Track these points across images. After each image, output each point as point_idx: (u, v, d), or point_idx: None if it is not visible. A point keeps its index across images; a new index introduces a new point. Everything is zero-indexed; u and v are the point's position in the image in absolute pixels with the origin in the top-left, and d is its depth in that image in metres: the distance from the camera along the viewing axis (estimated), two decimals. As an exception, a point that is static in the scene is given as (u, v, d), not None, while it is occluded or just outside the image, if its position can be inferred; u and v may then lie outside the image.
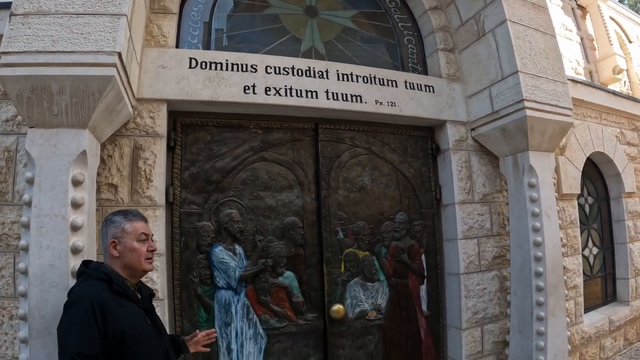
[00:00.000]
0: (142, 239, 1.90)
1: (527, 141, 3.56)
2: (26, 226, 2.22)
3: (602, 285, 5.25)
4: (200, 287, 3.09)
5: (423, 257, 3.74)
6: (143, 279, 2.11)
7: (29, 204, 2.23)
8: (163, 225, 2.91)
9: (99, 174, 2.64)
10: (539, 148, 3.66)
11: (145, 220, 1.99)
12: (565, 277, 4.01)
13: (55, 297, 2.13)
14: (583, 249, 4.91)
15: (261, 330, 3.23)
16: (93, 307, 1.65)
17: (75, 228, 2.24)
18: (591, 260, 5.11)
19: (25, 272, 2.19)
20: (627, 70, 6.24)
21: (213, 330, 2.29)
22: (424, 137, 3.86)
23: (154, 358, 1.82)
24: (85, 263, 1.90)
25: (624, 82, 6.33)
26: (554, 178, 4.32)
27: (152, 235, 1.99)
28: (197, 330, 2.31)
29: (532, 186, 3.61)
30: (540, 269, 3.50)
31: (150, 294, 2.08)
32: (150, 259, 1.93)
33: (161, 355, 1.86)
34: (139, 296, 1.93)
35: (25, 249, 2.20)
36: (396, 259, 3.60)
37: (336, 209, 3.43)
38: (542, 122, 3.56)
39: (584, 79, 5.44)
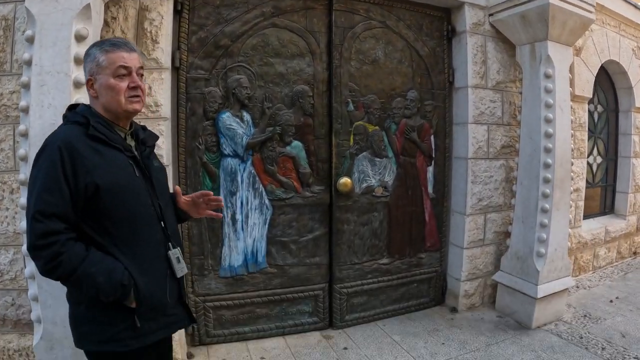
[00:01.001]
0: (121, 74, 1.51)
1: (547, 30, 3.40)
2: (26, 86, 2.11)
3: (602, 196, 5.30)
4: (205, 154, 3.02)
5: (432, 138, 3.69)
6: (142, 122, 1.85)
7: (29, 62, 2.11)
8: (169, 89, 2.80)
9: (101, 37, 2.48)
10: (558, 40, 3.52)
11: (129, 49, 1.55)
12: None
13: (57, 158, 2.04)
14: (588, 156, 4.89)
15: (267, 201, 3.20)
16: (62, 154, 1.39)
17: (78, 85, 2.13)
18: (594, 168, 5.12)
19: (25, 135, 2.10)
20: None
21: (209, 192, 1.84)
22: (440, 18, 3.69)
23: (139, 217, 1.52)
24: (71, 107, 1.61)
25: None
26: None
27: (140, 67, 1.58)
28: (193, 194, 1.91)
29: (548, 77, 3.50)
30: (549, 161, 3.46)
31: (146, 140, 1.70)
32: (134, 96, 1.54)
33: (149, 215, 1.57)
34: (132, 143, 1.63)
35: (26, 110, 2.10)
36: (405, 137, 3.54)
37: (347, 80, 3.31)
38: (564, 12, 3.39)
39: (607, -15, 5.21)
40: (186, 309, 1.72)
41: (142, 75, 1.59)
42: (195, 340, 3.13)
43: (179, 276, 1.64)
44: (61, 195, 1.38)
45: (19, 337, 2.62)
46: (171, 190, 1.87)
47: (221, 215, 1.98)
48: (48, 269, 1.39)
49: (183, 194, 1.87)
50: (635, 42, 5.36)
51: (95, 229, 1.47)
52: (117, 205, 1.46)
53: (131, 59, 1.54)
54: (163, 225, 1.62)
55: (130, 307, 1.48)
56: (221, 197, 2.10)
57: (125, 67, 1.51)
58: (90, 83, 1.54)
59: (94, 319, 1.49)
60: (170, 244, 1.62)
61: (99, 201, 1.43)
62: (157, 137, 1.80)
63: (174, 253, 1.62)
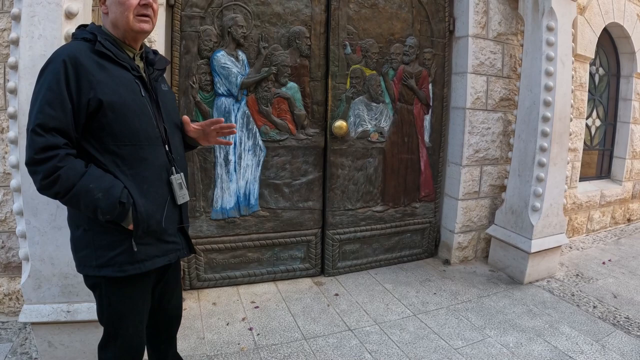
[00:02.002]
0: None
1: None
2: (17, 18, 2.04)
3: (599, 160, 5.27)
4: (199, 93, 2.96)
5: (430, 86, 3.63)
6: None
7: None
8: (163, 27, 2.72)
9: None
10: None
11: None
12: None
13: (47, 89, 1.99)
14: (587, 118, 4.85)
15: (260, 142, 3.16)
16: (66, 68, 1.35)
17: (69, 15, 2.07)
18: (593, 131, 5.08)
19: (15, 67, 2.04)
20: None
21: (220, 119, 1.76)
22: (443, -36, 3.61)
23: (142, 136, 1.48)
24: (80, 26, 1.56)
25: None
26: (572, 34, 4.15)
27: None
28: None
29: (550, 29, 3.43)
30: (548, 114, 3.42)
31: (156, 62, 1.66)
32: (143, 15, 1.49)
33: (153, 137, 1.52)
34: (141, 64, 1.58)
35: (16, 42, 2.04)
36: (403, 83, 3.48)
37: (346, 22, 3.23)
38: (569, -37, 3.32)
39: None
40: (186, 238, 1.68)
41: None
42: (185, 284, 3.11)
43: (179, 203, 1.60)
44: (63, 109, 1.35)
45: (9, 281, 2.61)
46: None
47: (231, 142, 1.89)
48: (45, 184, 1.35)
49: None
50: (640, 8, 5.28)
51: (97, 147, 1.43)
52: (120, 122, 1.42)
53: None
54: (168, 149, 1.58)
55: (127, 231, 1.45)
56: (234, 124, 2.01)
57: None
58: None
59: (92, 242, 1.47)
60: (173, 168, 1.58)
61: (102, 118, 1.40)
62: (168, 62, 1.75)
63: (177, 178, 1.58)
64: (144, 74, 1.55)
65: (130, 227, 1.44)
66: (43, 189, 1.36)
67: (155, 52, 1.69)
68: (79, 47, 1.42)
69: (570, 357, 2.52)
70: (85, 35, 1.46)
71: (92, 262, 1.47)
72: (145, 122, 1.49)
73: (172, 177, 1.57)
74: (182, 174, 1.61)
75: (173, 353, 1.94)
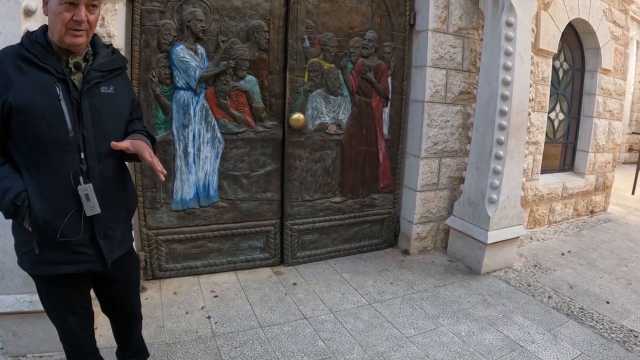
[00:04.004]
0: (68, 1, 1.42)
1: None
2: None
3: (562, 153, 5.39)
4: (159, 87, 2.98)
5: (389, 79, 3.69)
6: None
7: None
8: (123, 21, 2.73)
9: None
10: None
11: None
12: (528, 126, 4.04)
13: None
14: (550, 112, 4.95)
15: (219, 135, 3.19)
16: None
17: (28, 13, 2.06)
18: (556, 124, 5.19)
19: None
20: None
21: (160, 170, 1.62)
22: (404, -41, 3.64)
23: (49, 142, 1.45)
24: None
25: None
26: (533, 30, 4.22)
27: (92, 4, 1.49)
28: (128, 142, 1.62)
29: (509, 25, 3.49)
30: (506, 108, 3.49)
31: (104, 65, 1.60)
32: (75, 30, 1.45)
33: (64, 142, 1.47)
34: (72, 67, 1.52)
35: None
36: (362, 76, 3.53)
37: (305, 16, 3.26)
38: (530, -40, 3.37)
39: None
40: (99, 252, 1.60)
41: (94, 6, 1.50)
42: (148, 274, 3.16)
43: (88, 214, 1.52)
44: None
45: None
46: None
47: (163, 179, 1.62)
48: None
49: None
50: (607, 4, 5.35)
51: (13, 147, 1.47)
52: (28, 126, 1.42)
53: None
54: (83, 156, 1.51)
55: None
56: (164, 171, 1.64)
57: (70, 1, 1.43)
58: (45, 1, 1.49)
59: (16, 234, 1.56)
60: (81, 177, 1.49)
61: (13, 120, 1.41)
62: (123, 62, 1.70)
63: (83, 189, 1.49)
64: (69, 77, 1.49)
65: (30, 228, 1.47)
66: None
67: (114, 52, 1.67)
68: (8, 50, 1.46)
69: (521, 346, 2.61)
70: (22, 39, 1.48)
71: (18, 252, 1.54)
72: (55, 126, 1.45)
73: (79, 187, 1.49)
74: (90, 184, 1.51)
75: (135, 348, 2.05)
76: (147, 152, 1.60)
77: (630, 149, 11.45)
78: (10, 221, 1.54)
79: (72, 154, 1.49)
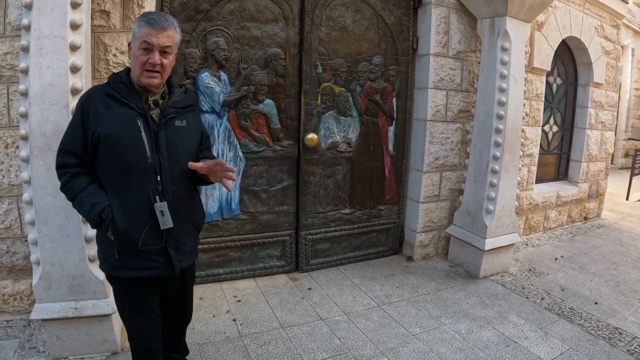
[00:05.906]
0: (144, 47, 1.67)
1: (507, 7, 3.66)
2: (25, 49, 2.22)
3: (556, 163, 5.68)
4: (185, 111, 3.27)
5: (394, 100, 4.01)
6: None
7: (27, 28, 2.23)
8: None
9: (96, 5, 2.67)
10: (517, 16, 3.78)
11: (160, 28, 1.68)
12: (523, 140, 4.33)
13: (55, 114, 2.22)
14: (544, 125, 5.24)
15: (240, 154, 3.49)
16: (83, 105, 1.69)
17: (74, 48, 2.26)
18: (550, 136, 5.48)
19: (25, 94, 2.23)
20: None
21: (221, 162, 1.85)
22: (407, -11, 3.95)
23: (132, 166, 1.71)
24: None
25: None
26: (527, 51, 4.51)
27: (166, 46, 1.71)
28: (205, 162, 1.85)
29: (504, 50, 3.78)
30: (501, 127, 3.78)
31: (177, 102, 1.83)
32: (150, 71, 1.70)
33: (144, 167, 1.72)
34: (151, 104, 1.77)
35: (25, 71, 2.23)
36: (369, 98, 3.86)
37: (317, 44, 3.58)
38: (523, -11, 3.64)
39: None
40: (169, 260, 1.82)
41: (167, 52, 1.73)
42: (173, 280, 3.45)
43: (162, 228, 1.75)
44: (76, 137, 1.71)
45: (13, 283, 2.84)
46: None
47: (234, 179, 1.89)
48: (62, 191, 1.79)
49: None
50: (599, 21, 5.65)
51: (100, 170, 1.76)
52: (113, 152, 1.69)
53: (158, 38, 1.68)
54: (159, 178, 1.75)
55: (113, 240, 1.78)
56: (234, 169, 2.10)
57: (148, 44, 1.67)
58: (129, 47, 1.76)
59: (99, 241, 1.85)
60: (157, 197, 1.74)
61: (102, 147, 1.69)
62: (192, 101, 1.93)
63: (159, 206, 1.73)
64: (148, 112, 1.74)
65: (112, 237, 1.73)
66: (62, 191, 1.79)
67: (186, 91, 1.92)
68: (98, 88, 1.76)
69: (515, 342, 2.89)
70: (109, 79, 1.77)
71: (100, 257, 1.86)
72: (136, 154, 1.70)
73: (155, 204, 1.73)
74: (165, 202, 1.75)
75: (181, 346, 2.35)
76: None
77: (626, 155, 11.71)
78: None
79: (149, 177, 1.75)
